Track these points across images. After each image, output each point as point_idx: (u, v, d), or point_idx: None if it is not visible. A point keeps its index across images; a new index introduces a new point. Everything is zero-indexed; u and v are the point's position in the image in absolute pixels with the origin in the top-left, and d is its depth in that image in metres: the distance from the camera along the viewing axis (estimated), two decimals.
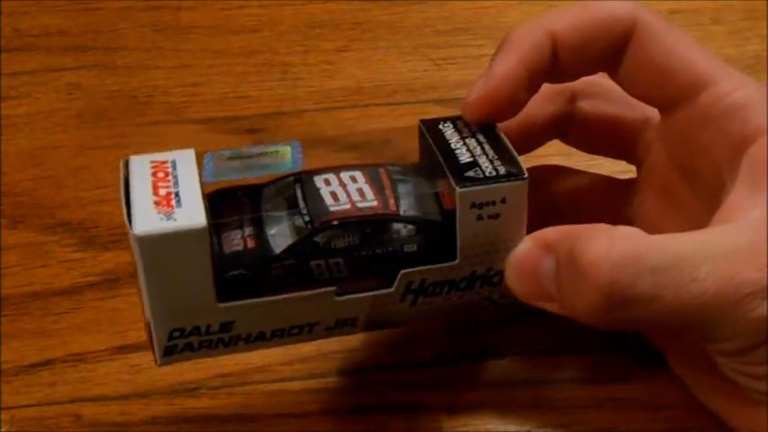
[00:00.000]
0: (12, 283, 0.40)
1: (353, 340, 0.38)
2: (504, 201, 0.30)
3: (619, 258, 0.27)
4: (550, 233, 0.30)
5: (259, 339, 0.31)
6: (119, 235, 0.42)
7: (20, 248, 0.42)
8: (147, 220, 0.29)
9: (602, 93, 0.36)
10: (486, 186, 0.30)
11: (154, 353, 0.31)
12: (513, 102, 0.32)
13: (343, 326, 0.32)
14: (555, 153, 0.37)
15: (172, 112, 0.47)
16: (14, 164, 0.44)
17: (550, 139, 0.37)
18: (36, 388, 0.37)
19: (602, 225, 0.29)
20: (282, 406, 0.36)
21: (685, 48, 0.32)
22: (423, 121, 0.33)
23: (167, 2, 0.51)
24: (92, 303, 0.40)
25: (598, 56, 0.33)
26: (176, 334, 0.31)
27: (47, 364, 0.38)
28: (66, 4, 0.51)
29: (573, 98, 0.36)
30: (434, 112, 0.47)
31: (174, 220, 0.29)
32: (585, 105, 0.36)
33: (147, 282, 0.30)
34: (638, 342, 0.37)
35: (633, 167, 0.37)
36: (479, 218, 0.31)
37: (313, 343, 0.38)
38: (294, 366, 0.38)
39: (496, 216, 0.31)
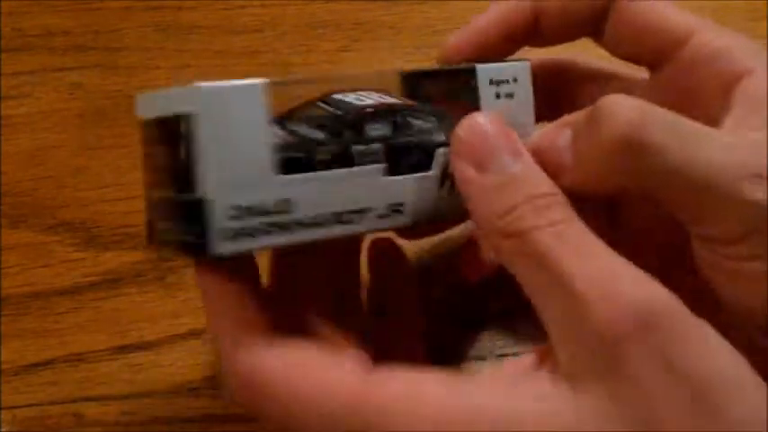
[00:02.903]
0: (12, 283, 0.40)
1: None
2: (515, 80, 0.34)
3: (636, 104, 0.29)
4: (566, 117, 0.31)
5: (317, 226, 0.30)
6: (120, 235, 0.42)
7: (20, 248, 0.42)
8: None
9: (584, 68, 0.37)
10: (500, 64, 0.34)
11: (207, 238, 0.28)
12: (488, 52, 0.34)
13: (393, 213, 0.32)
14: None
15: None
16: (15, 164, 0.44)
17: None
18: (37, 388, 0.37)
19: None
20: None
21: (664, 6, 0.33)
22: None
23: (168, 2, 0.51)
24: (93, 303, 0.40)
25: (581, 19, 0.34)
26: (233, 213, 0.29)
27: (48, 363, 0.38)
28: (66, 3, 0.51)
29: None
30: None
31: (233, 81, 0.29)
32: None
33: (206, 147, 0.28)
34: None
35: None
36: (497, 96, 0.33)
37: None
38: None
39: (511, 95, 0.34)
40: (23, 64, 0.48)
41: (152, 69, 0.49)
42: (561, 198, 0.29)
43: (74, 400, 0.37)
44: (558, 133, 0.31)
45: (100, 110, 0.47)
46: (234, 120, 0.29)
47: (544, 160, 0.31)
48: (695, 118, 0.32)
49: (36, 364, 0.38)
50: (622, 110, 0.28)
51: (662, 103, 0.34)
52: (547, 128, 0.32)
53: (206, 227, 0.28)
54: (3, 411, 0.36)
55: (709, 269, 0.30)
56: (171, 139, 0.29)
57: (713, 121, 0.31)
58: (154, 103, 0.31)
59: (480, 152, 0.30)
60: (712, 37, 0.32)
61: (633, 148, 0.28)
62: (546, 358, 0.28)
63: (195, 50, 0.49)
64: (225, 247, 0.28)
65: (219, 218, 0.28)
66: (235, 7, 0.51)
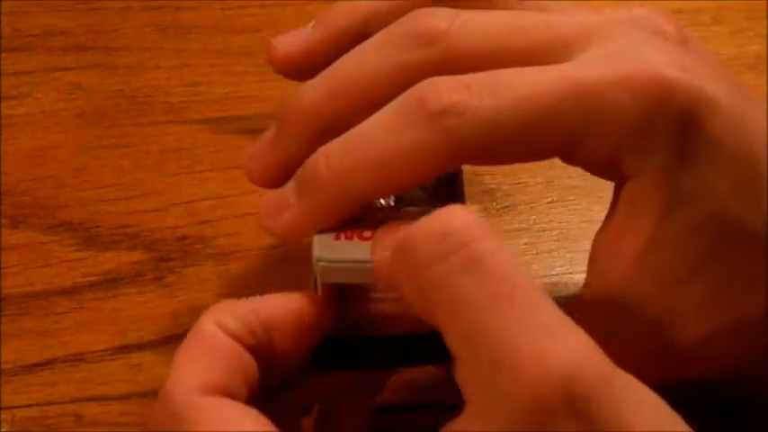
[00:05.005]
0: (12, 283, 0.40)
1: None
2: None
3: None
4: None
5: None
6: (120, 235, 0.42)
7: (20, 248, 0.41)
8: None
9: None
10: None
11: None
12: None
13: None
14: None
15: (172, 111, 0.47)
16: (15, 164, 0.44)
17: None
18: (37, 388, 0.37)
19: None
20: None
21: None
22: None
23: (168, 2, 0.51)
24: (92, 303, 0.40)
25: None
26: None
27: (47, 363, 0.38)
28: (66, 3, 0.51)
29: None
30: None
31: None
32: None
33: None
34: None
35: None
36: None
37: None
38: None
39: None
40: (23, 64, 0.48)
41: (152, 69, 0.49)
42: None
43: (73, 400, 0.37)
44: None
45: (100, 110, 0.47)
46: None
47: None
48: None
49: (36, 364, 0.38)
50: None
51: None
52: None
53: None
54: (3, 411, 0.36)
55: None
56: None
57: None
58: None
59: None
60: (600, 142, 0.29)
61: None
62: None
63: (195, 50, 0.49)
64: None
65: None
66: (234, 7, 0.51)
